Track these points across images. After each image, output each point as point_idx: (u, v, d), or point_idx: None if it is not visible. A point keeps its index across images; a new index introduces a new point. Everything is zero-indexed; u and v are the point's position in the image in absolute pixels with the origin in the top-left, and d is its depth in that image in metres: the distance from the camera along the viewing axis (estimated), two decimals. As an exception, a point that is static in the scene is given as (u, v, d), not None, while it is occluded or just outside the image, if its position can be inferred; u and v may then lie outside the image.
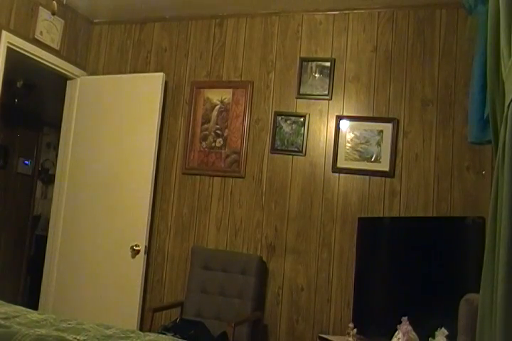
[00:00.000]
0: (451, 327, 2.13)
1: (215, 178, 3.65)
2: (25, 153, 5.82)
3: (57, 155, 4.02)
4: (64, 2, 3.56)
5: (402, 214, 3.21)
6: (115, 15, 3.97)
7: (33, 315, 1.99)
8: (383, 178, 3.29)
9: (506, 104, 1.36)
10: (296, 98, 3.54)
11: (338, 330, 3.19)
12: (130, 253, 3.52)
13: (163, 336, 1.99)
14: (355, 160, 3.34)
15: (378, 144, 3.31)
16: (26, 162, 5.81)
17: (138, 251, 3.51)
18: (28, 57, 3.50)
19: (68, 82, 3.99)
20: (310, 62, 3.53)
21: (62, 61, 3.77)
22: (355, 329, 2.78)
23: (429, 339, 2.28)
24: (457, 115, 3.19)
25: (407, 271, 2.91)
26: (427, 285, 2.82)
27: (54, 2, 2.98)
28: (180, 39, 3.88)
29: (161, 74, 3.72)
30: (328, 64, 3.49)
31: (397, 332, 2.36)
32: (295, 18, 3.61)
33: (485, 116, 1.94)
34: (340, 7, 3.49)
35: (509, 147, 1.26)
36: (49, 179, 5.84)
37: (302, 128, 3.48)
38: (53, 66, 3.71)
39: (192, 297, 3.38)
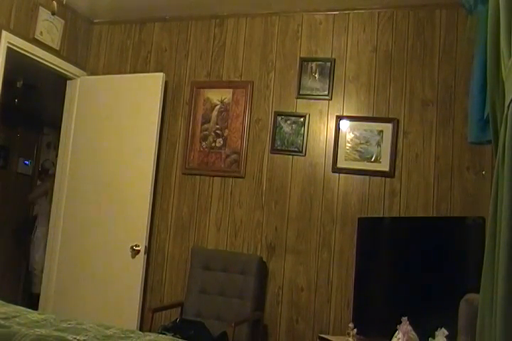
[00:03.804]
0: (451, 327, 2.13)
1: (215, 178, 3.65)
2: (25, 153, 5.82)
3: (57, 155, 4.02)
4: (64, 2, 3.56)
5: (402, 214, 3.21)
6: (115, 15, 3.97)
7: (33, 315, 1.99)
8: (383, 178, 3.29)
9: (506, 104, 1.36)
10: (296, 98, 3.54)
11: (338, 330, 3.19)
12: (130, 253, 3.52)
13: (163, 336, 1.99)
14: (355, 160, 3.34)
15: (378, 144, 3.31)
16: (26, 162, 5.81)
17: (138, 251, 3.51)
18: (28, 57, 3.49)
19: (68, 82, 3.99)
20: (310, 62, 3.53)
21: (62, 61, 3.77)
22: (355, 329, 2.78)
23: (429, 339, 2.28)
24: (457, 115, 3.19)
25: (407, 271, 2.91)
26: (427, 285, 2.82)
27: (54, 2, 2.99)
28: (180, 39, 3.88)
29: (161, 74, 3.72)
30: (328, 64, 3.49)
31: (397, 332, 2.36)
32: (295, 18, 3.61)
33: (485, 116, 1.94)
34: (340, 7, 3.49)
35: (509, 147, 1.26)
36: (49, 179, 5.83)
37: (302, 128, 3.48)
38: (53, 66, 3.71)
39: (192, 297, 3.38)
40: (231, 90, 3.68)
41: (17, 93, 4.89)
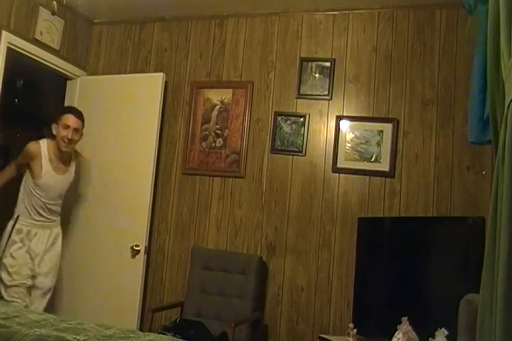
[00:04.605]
0: (451, 327, 2.13)
1: (215, 178, 3.65)
2: (25, 153, 5.80)
3: (57, 155, 4.02)
4: (64, 2, 3.56)
5: (402, 214, 3.21)
6: (115, 15, 3.97)
7: (33, 315, 1.99)
8: (383, 178, 3.29)
9: (506, 104, 1.35)
10: (296, 98, 3.54)
11: (338, 330, 3.19)
12: (130, 253, 3.51)
13: (163, 336, 1.99)
14: (355, 160, 3.34)
15: (378, 144, 3.31)
16: (26, 162, 5.80)
17: (138, 251, 3.51)
18: (28, 57, 3.49)
19: (68, 82, 3.99)
20: (310, 62, 3.53)
21: (62, 61, 3.77)
22: (355, 330, 2.78)
23: (429, 339, 2.28)
24: (457, 115, 3.19)
25: (407, 271, 2.91)
26: (427, 285, 2.82)
27: (54, 2, 2.99)
28: (180, 39, 3.88)
29: (161, 74, 3.72)
30: (328, 64, 3.49)
31: (397, 332, 2.36)
32: (295, 18, 3.61)
33: (485, 116, 1.94)
34: (340, 7, 3.49)
35: (509, 147, 1.26)
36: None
37: (302, 129, 3.48)
38: (53, 66, 3.71)
39: (192, 297, 3.38)
40: (231, 90, 3.68)
41: (17, 93, 4.89)
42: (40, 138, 3.32)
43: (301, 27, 3.59)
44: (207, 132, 3.71)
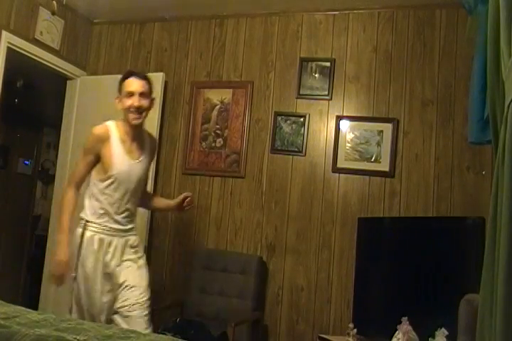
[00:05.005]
0: (451, 327, 2.13)
1: (215, 178, 3.65)
2: (25, 153, 5.82)
3: (57, 155, 4.02)
4: (64, 2, 3.56)
5: (402, 214, 3.21)
6: (115, 15, 3.97)
7: (33, 315, 1.99)
8: (383, 178, 3.29)
9: (506, 104, 1.35)
10: (296, 98, 3.54)
11: (338, 330, 3.19)
12: (130, 253, 3.50)
13: (163, 336, 1.99)
14: (355, 160, 3.34)
15: (378, 144, 3.31)
16: (26, 162, 5.81)
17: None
18: (28, 57, 3.50)
19: (68, 82, 3.99)
20: (310, 62, 3.53)
21: (62, 61, 3.78)
22: (355, 330, 2.78)
23: (429, 339, 2.28)
24: (457, 115, 3.19)
25: (407, 271, 2.91)
26: (427, 285, 2.82)
27: (54, 2, 2.99)
28: (180, 39, 3.88)
29: (161, 74, 3.72)
30: (328, 64, 3.49)
31: (397, 332, 2.36)
32: (295, 18, 3.61)
33: (485, 116, 1.94)
34: (340, 7, 3.49)
35: (509, 147, 1.26)
36: (49, 179, 5.83)
37: (302, 129, 3.48)
38: (53, 66, 3.71)
39: (192, 297, 3.38)
40: (231, 90, 3.68)
41: (17, 93, 4.89)
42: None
43: (301, 27, 3.59)
44: (207, 132, 3.71)
